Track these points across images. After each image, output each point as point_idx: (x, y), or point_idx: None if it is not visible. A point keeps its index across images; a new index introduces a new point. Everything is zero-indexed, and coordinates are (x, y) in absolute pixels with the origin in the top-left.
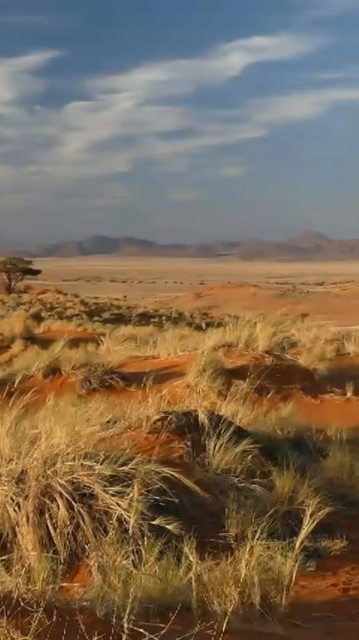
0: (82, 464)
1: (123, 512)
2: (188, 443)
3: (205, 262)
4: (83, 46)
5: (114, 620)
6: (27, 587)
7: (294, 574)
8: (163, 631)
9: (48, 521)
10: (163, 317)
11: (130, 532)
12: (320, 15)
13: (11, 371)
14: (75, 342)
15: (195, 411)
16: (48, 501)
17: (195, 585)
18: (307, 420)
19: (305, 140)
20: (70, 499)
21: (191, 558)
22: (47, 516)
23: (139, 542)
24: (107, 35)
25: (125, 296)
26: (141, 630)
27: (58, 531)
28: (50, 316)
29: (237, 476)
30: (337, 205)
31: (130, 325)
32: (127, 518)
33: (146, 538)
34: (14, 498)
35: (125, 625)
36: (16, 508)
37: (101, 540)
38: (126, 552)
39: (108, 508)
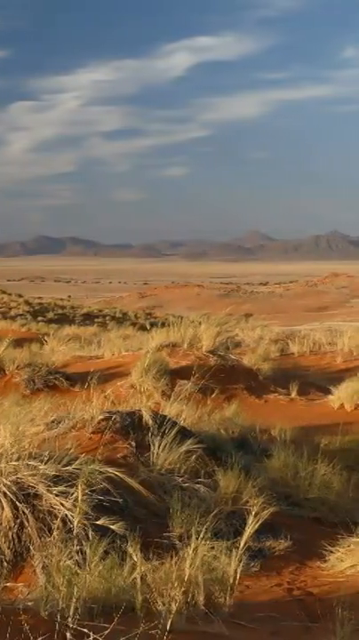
0: (26, 464)
1: (67, 512)
2: (132, 443)
3: (150, 262)
4: (28, 46)
5: (58, 620)
6: None
7: (238, 574)
8: (107, 631)
9: None
10: (108, 317)
11: (74, 532)
12: (264, 15)
13: None
14: (19, 342)
15: (139, 411)
16: None
17: (140, 585)
18: (252, 420)
19: (249, 140)
20: (14, 499)
21: (135, 558)
22: None
23: (84, 542)
24: (52, 35)
25: (69, 296)
26: (85, 630)
27: (2, 531)
28: None
29: (181, 476)
30: (281, 205)
31: (74, 325)
32: (71, 518)
33: (90, 538)
34: None
35: (70, 625)
36: None
37: (45, 540)
38: (70, 552)
39: (52, 508)
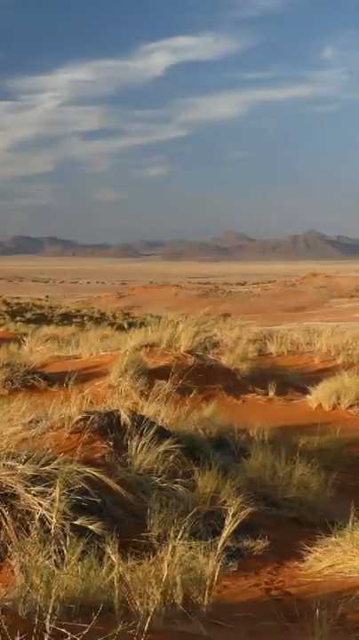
0: (4, 464)
1: (45, 512)
2: (110, 443)
3: (128, 262)
4: (6, 46)
5: (36, 620)
6: None
7: (216, 574)
8: (85, 631)
9: None
10: (86, 317)
11: (52, 531)
12: (244, 15)
13: None
14: None
15: (118, 411)
16: None
17: (118, 585)
18: (230, 420)
19: (228, 141)
20: None
21: (113, 558)
22: None
23: (62, 542)
24: (31, 35)
25: (47, 296)
26: (64, 630)
27: None
28: None
29: (159, 476)
30: (259, 206)
31: (52, 325)
32: (49, 518)
33: (68, 538)
34: None
35: (48, 625)
36: None
37: (23, 539)
38: (48, 552)
39: (30, 507)
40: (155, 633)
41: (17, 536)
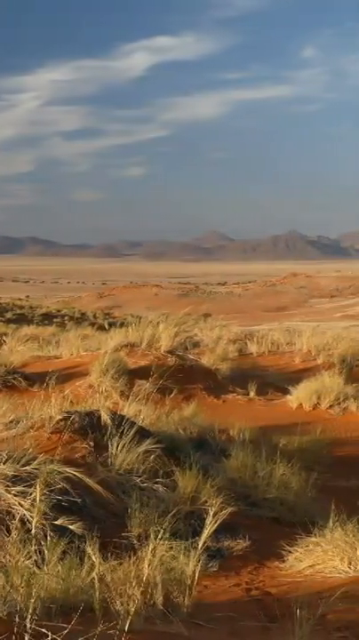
0: None
1: (25, 512)
2: (91, 443)
3: (109, 262)
4: None
5: (16, 620)
6: None
7: (197, 574)
8: (65, 631)
9: None
10: (66, 317)
11: (32, 531)
12: (224, 15)
13: None
14: None
15: (98, 411)
16: None
17: (98, 585)
18: (210, 420)
19: (209, 141)
20: None
21: (94, 558)
22: None
23: (42, 542)
24: (11, 35)
25: (28, 296)
26: (44, 630)
27: None
28: None
29: (140, 476)
30: (240, 206)
31: (32, 325)
32: (30, 518)
33: (48, 538)
34: None
35: (28, 625)
36: None
37: (4, 539)
38: (29, 552)
39: (11, 507)
40: (136, 633)
41: None
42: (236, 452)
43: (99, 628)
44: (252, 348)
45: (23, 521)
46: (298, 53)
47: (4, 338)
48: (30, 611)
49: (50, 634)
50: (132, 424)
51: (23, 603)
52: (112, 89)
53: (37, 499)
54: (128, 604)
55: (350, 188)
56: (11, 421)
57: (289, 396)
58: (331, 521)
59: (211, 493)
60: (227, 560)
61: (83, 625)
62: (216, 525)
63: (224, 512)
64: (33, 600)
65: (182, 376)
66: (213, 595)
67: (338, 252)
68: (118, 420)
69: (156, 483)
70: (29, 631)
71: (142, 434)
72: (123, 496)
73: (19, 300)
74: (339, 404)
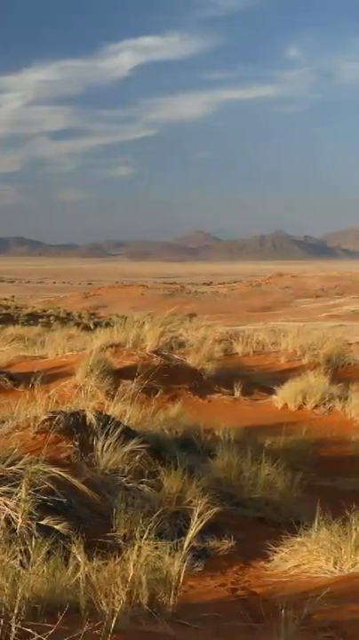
0: None
1: (10, 512)
2: (76, 443)
3: (95, 262)
4: None
5: (1, 621)
6: None
7: (182, 574)
8: (51, 631)
9: None
10: (52, 317)
11: (18, 531)
12: (209, 15)
13: None
14: None
15: (83, 411)
16: None
17: (84, 585)
18: (196, 420)
19: (194, 140)
20: None
21: (79, 558)
22: None
23: (27, 542)
24: None
25: (13, 296)
26: (29, 630)
27: None
28: None
29: (125, 476)
30: (226, 206)
31: (18, 325)
32: (15, 518)
33: (34, 538)
34: None
35: (13, 625)
36: None
37: None
38: (14, 552)
39: None
40: (121, 633)
41: None
42: (222, 452)
43: (84, 628)
44: (238, 348)
45: (8, 521)
46: (282, 53)
47: None
48: (15, 611)
49: (35, 634)
50: (118, 424)
51: (8, 603)
52: (97, 89)
53: (23, 499)
54: (113, 604)
55: (336, 188)
56: None
57: (274, 396)
58: (316, 521)
59: (196, 493)
60: (213, 560)
61: (69, 625)
62: (201, 525)
63: (209, 512)
64: (18, 600)
65: (168, 376)
66: (199, 595)
67: (324, 252)
68: (104, 420)
69: (142, 483)
70: (14, 631)
71: (128, 434)
72: (109, 496)
73: (5, 299)
74: (325, 404)
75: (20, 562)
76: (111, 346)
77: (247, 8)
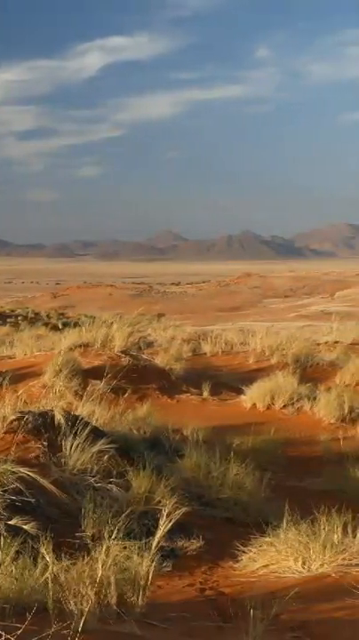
0: None
1: None
2: (45, 443)
3: (63, 262)
4: None
5: None
6: None
7: (151, 574)
8: (19, 631)
9: None
10: (20, 317)
11: None
12: (177, 15)
13: None
14: None
15: (52, 411)
16: None
17: (52, 585)
18: (164, 420)
19: (163, 140)
20: None
21: (47, 558)
22: None
23: None
24: None
25: None
26: None
27: None
28: None
29: (94, 476)
30: (194, 206)
31: None
32: None
33: (2, 538)
34: None
35: None
36: None
37: None
38: None
39: None
40: (90, 633)
41: None
42: (190, 451)
43: (52, 628)
44: (206, 348)
45: None
46: (251, 53)
47: None
48: None
49: (3, 634)
50: (86, 424)
51: None
52: (66, 89)
53: None
54: (82, 604)
55: (304, 188)
56: None
57: (243, 396)
58: (284, 521)
59: (164, 493)
60: (181, 560)
61: (37, 625)
62: (170, 525)
63: (178, 512)
64: None
65: (136, 376)
66: (167, 595)
67: (292, 252)
68: (72, 420)
69: (110, 483)
70: None
71: (96, 434)
72: (77, 496)
73: None
74: (293, 403)
75: None
76: (80, 346)
77: (216, 8)
